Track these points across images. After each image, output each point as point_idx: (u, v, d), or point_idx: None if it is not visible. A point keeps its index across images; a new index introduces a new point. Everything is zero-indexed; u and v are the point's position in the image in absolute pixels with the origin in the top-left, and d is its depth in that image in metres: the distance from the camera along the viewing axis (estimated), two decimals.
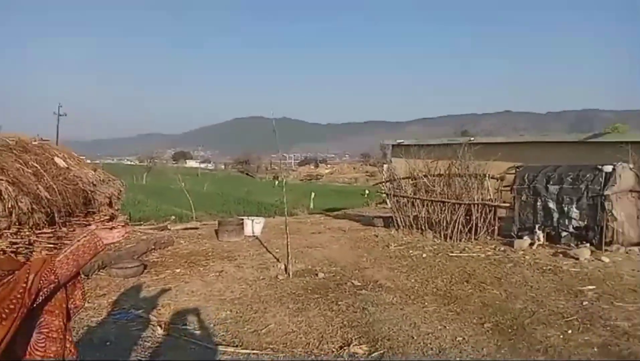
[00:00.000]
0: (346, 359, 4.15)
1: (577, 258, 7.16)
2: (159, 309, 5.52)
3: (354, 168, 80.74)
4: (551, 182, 8.36)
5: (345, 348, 4.37)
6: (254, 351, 4.26)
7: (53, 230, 7.67)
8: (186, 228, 11.52)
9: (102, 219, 9.28)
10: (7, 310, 1.54)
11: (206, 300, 5.97)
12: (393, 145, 19.07)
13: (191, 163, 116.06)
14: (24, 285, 1.61)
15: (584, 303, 5.40)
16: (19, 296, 1.58)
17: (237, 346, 4.38)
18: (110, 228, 1.96)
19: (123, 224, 2.02)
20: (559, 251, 7.75)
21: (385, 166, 20.91)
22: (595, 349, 4.14)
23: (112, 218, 9.52)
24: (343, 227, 11.88)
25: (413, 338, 4.56)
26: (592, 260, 7.12)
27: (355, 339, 4.58)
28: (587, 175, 7.90)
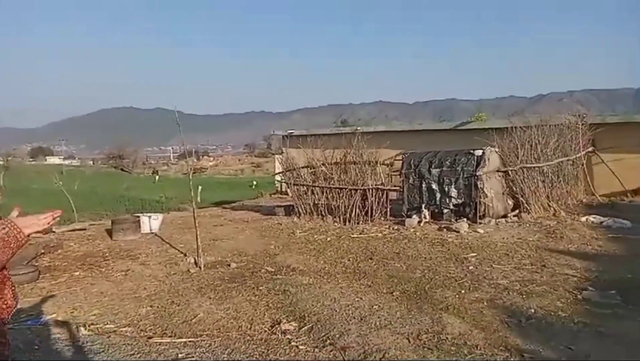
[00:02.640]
0: (279, 336, 4.45)
1: (458, 231, 8.29)
2: (72, 311, 5.25)
3: (238, 160, 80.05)
4: (433, 166, 9.47)
5: (276, 326, 4.66)
6: (190, 340, 4.35)
7: None
8: (73, 230, 10.68)
9: None
10: None
11: (120, 299, 5.80)
12: (284, 136, 19.54)
13: (53, 160, 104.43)
14: None
15: (470, 267, 6.36)
16: None
17: (171, 336, 4.42)
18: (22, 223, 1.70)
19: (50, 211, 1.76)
20: (442, 226, 8.85)
21: (277, 156, 21.30)
22: (485, 303, 4.98)
23: None
24: (244, 218, 12.00)
25: (336, 310, 5.01)
26: (470, 232, 8.30)
27: (283, 318, 4.89)
28: (462, 159, 9.12)
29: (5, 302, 1.74)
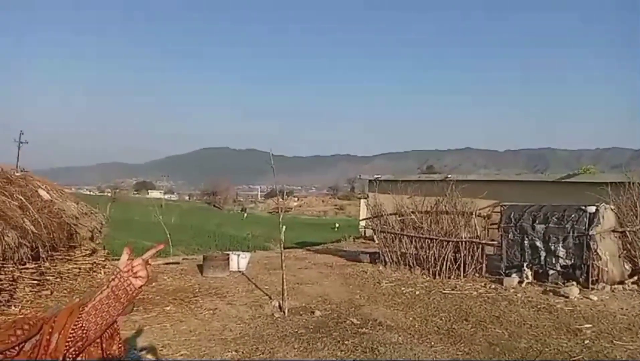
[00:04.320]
0: None
1: (567, 297, 7.37)
2: (161, 349, 5.30)
3: (322, 201, 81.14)
4: (537, 221, 8.66)
5: None
6: None
7: (37, 265, 7.31)
8: (167, 263, 11.17)
9: (83, 254, 8.93)
10: None
11: (207, 340, 5.78)
12: (370, 180, 19.35)
13: (154, 194, 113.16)
14: (46, 347, 1.34)
15: (585, 341, 5.54)
16: None
17: None
18: (131, 270, 1.53)
19: (142, 262, 1.58)
20: (548, 289, 7.95)
21: (362, 201, 21.12)
22: None
23: (93, 252, 9.18)
24: (328, 262, 11.81)
25: None
26: (582, 298, 7.34)
27: None
28: (572, 215, 8.24)
29: (111, 353, 1.59)
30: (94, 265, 8.69)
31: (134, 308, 7.23)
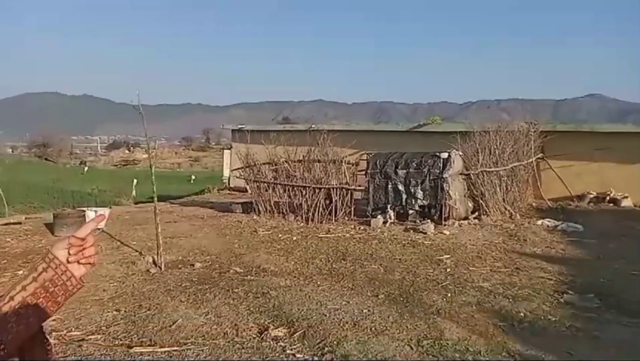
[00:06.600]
0: (271, 343, 4.14)
1: (425, 233, 8.32)
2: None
3: (175, 153, 76.91)
4: (399, 167, 9.47)
5: (264, 332, 4.33)
6: (174, 348, 3.92)
7: None
8: (7, 224, 9.60)
9: None
10: None
11: (80, 302, 5.16)
12: (233, 130, 18.95)
13: None
14: None
15: (447, 270, 6.35)
16: None
17: (152, 345, 3.97)
18: (82, 255, 1.09)
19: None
20: (409, 227, 8.87)
21: (227, 151, 20.60)
22: (474, 307, 4.95)
23: None
24: (197, 214, 11.39)
25: (325, 315, 4.76)
26: (437, 234, 8.36)
27: (269, 323, 4.58)
28: (429, 161, 9.20)
29: None
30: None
31: None
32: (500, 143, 10.36)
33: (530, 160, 11.25)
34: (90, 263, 1.10)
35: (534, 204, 11.43)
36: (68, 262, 1.06)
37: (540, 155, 11.83)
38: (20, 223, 9.79)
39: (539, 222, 9.14)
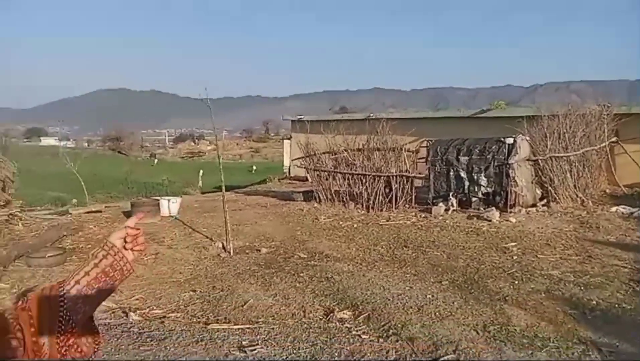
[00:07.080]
0: (337, 324, 4.30)
1: (490, 220, 8.14)
2: (113, 295, 5.07)
3: (236, 144, 79.31)
4: (461, 154, 9.29)
5: (330, 314, 4.51)
6: (247, 326, 4.20)
7: None
8: (89, 212, 10.45)
9: None
10: None
11: (159, 283, 5.63)
12: (293, 120, 19.28)
13: (47, 141, 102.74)
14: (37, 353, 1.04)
15: (514, 257, 6.21)
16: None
17: (227, 323, 4.27)
18: (125, 237, 1.20)
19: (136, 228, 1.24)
20: (472, 214, 8.70)
21: (286, 141, 21.05)
22: (543, 294, 4.85)
23: (7, 203, 8.31)
24: (261, 203, 11.80)
25: (389, 299, 4.86)
26: (502, 221, 8.15)
27: (335, 306, 4.75)
28: (493, 147, 8.94)
29: (80, 349, 1.16)
30: (10, 216, 7.88)
31: (67, 258, 6.79)
32: (570, 127, 9.85)
33: (604, 144, 10.60)
34: (140, 250, 1.24)
35: (607, 190, 10.79)
36: (125, 248, 1.20)
37: (614, 139, 11.10)
38: (100, 211, 10.63)
39: (613, 209, 8.64)
